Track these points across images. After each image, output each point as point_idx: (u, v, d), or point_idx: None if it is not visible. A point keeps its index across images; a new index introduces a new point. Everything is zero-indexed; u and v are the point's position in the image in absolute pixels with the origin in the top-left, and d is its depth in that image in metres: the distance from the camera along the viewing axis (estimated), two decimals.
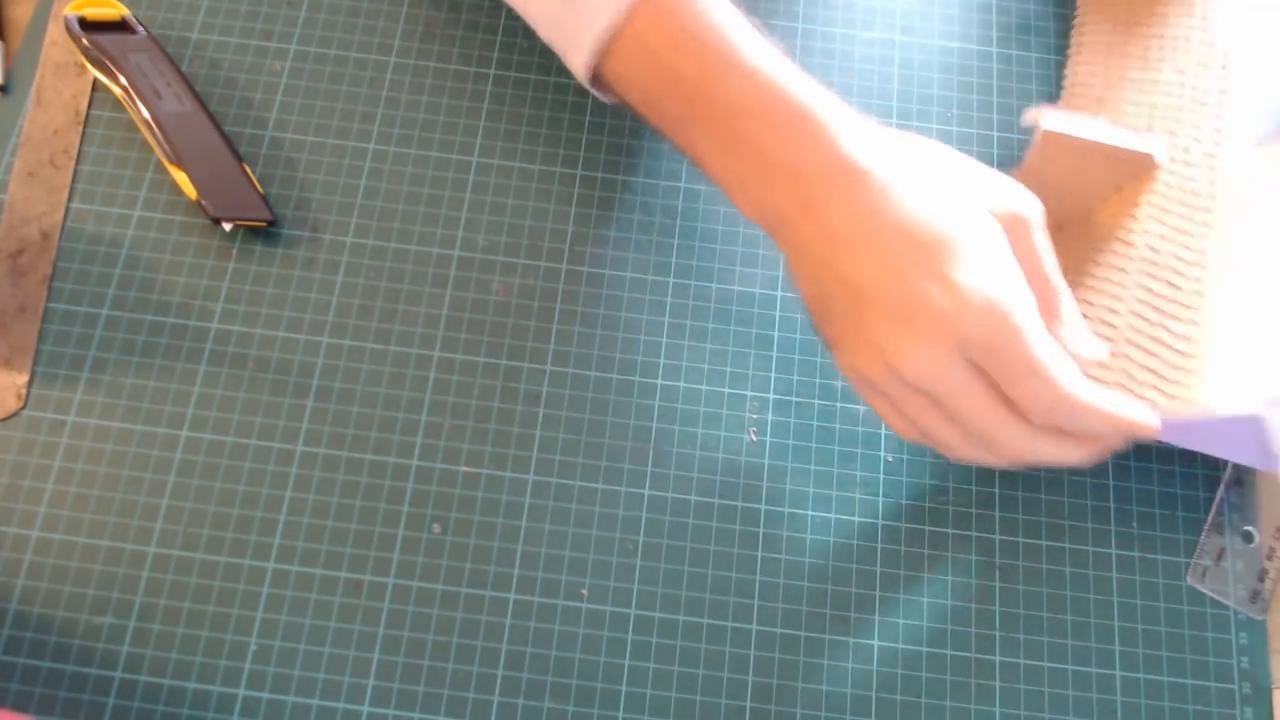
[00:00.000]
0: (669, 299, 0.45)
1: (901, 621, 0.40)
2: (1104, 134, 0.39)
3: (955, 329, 0.31)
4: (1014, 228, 0.33)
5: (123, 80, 0.45)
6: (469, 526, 0.41)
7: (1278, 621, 0.41)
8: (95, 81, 0.47)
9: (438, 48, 0.49)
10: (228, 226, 0.44)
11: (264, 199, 0.44)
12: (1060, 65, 0.49)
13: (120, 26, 0.46)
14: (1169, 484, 0.42)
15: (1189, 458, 0.43)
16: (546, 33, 0.40)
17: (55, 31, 0.47)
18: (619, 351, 0.44)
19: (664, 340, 0.44)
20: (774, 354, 0.44)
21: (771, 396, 0.43)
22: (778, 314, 0.44)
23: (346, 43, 0.48)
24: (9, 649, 0.38)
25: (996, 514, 0.42)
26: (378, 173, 0.46)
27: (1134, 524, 0.42)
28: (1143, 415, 0.33)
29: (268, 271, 0.44)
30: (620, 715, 0.39)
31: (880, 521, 0.42)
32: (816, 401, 0.43)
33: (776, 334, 0.44)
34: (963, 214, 0.32)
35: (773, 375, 0.44)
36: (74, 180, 0.45)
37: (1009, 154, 0.47)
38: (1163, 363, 0.36)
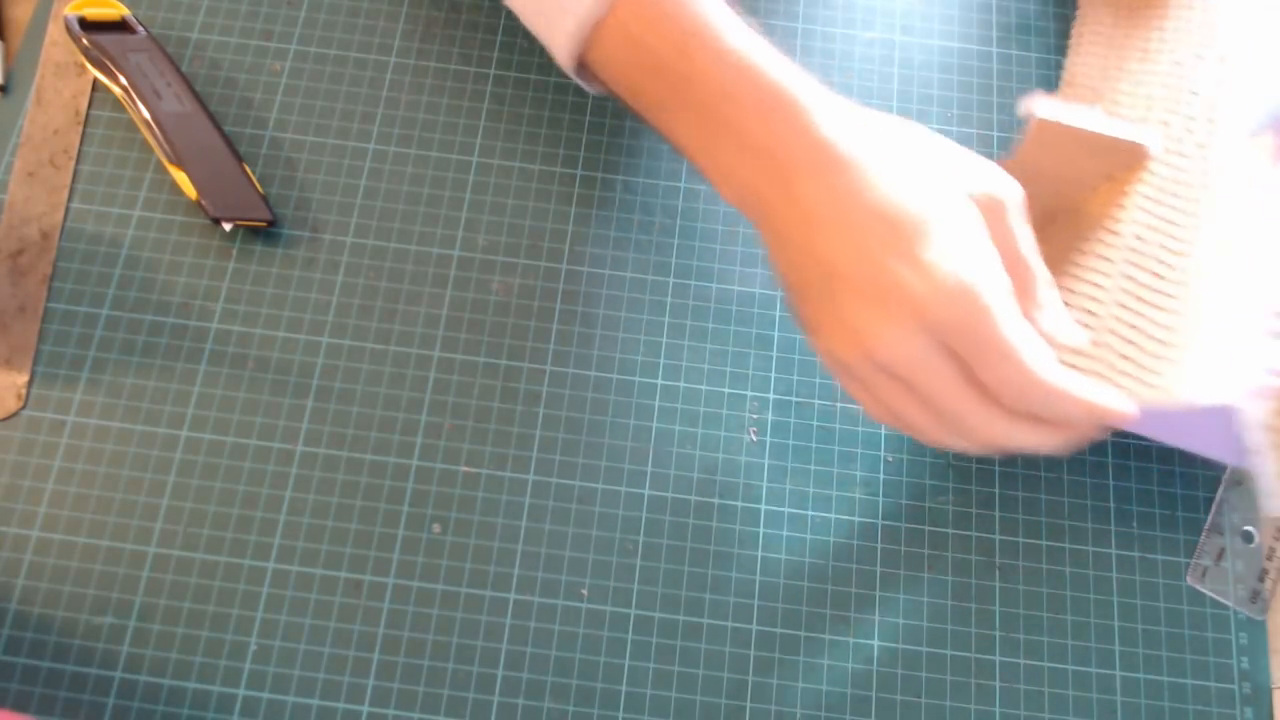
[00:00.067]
0: (669, 299, 0.45)
1: (901, 621, 0.40)
2: (1096, 123, 0.38)
3: (925, 310, 0.31)
4: (991, 211, 0.33)
5: (123, 80, 0.45)
6: (469, 526, 0.41)
7: (1278, 621, 0.41)
8: (95, 81, 0.47)
9: (438, 48, 0.49)
10: (228, 226, 0.44)
11: (264, 199, 0.44)
12: (1060, 65, 0.49)
13: (120, 26, 0.46)
14: (1169, 484, 0.42)
15: (1189, 458, 0.43)
16: (531, 22, 0.40)
17: (55, 31, 0.47)
18: (619, 351, 0.44)
19: (664, 340, 0.44)
20: (774, 354, 0.44)
21: (771, 396, 0.43)
22: (778, 314, 0.44)
23: (346, 43, 0.48)
24: (9, 649, 0.38)
25: (996, 514, 0.42)
26: (378, 173, 0.46)
27: (1134, 524, 0.42)
28: (1117, 403, 0.33)
29: (268, 271, 0.44)
30: (620, 715, 0.39)
31: (880, 521, 0.42)
32: (816, 401, 0.43)
33: (776, 334, 0.44)
34: (937, 196, 0.32)
35: (773, 375, 0.44)
36: (74, 180, 0.45)
37: (1009, 154, 0.47)
38: (1142, 352, 0.36)
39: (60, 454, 0.41)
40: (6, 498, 0.40)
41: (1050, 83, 0.49)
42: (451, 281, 0.44)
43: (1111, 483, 0.42)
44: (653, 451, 0.42)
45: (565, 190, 0.46)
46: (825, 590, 0.41)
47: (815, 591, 0.41)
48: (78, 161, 0.46)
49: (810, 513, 0.42)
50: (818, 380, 0.43)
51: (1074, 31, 0.47)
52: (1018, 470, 0.42)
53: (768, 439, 0.43)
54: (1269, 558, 0.41)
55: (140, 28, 0.46)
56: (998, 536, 0.42)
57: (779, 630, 0.40)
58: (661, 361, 0.44)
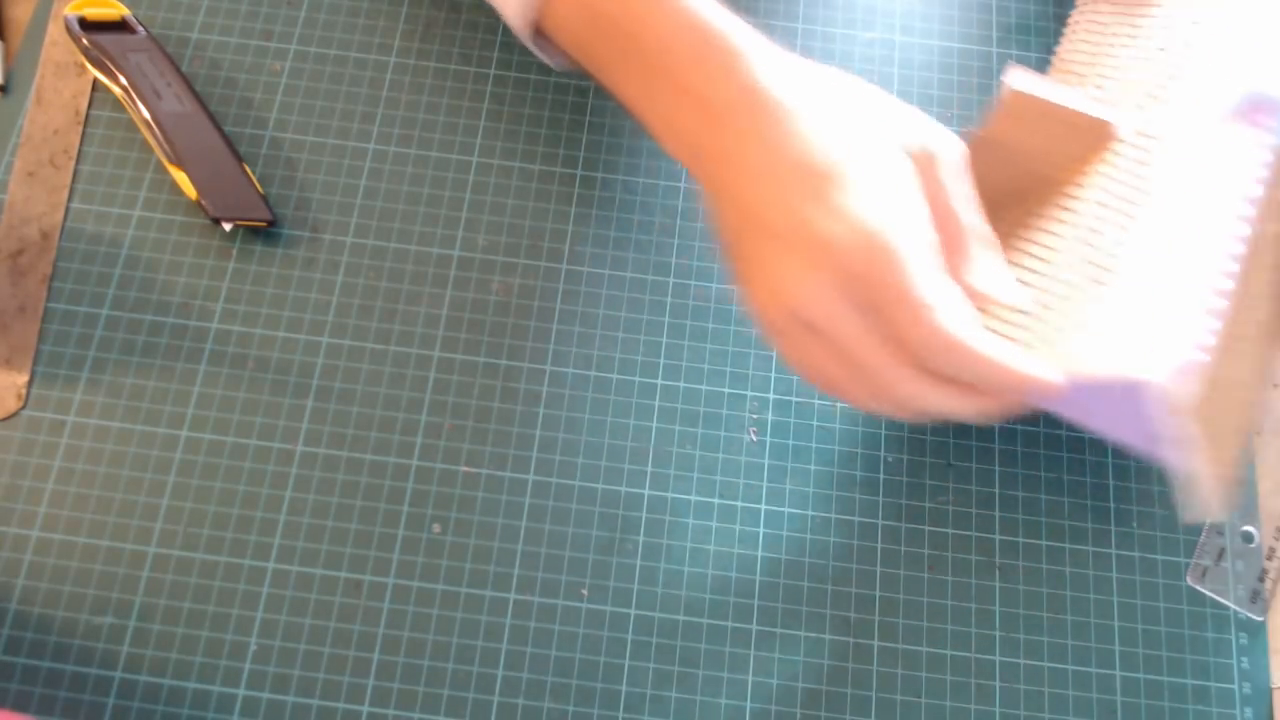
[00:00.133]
0: (669, 299, 0.45)
1: (901, 621, 0.40)
2: (1067, 99, 0.38)
3: (833, 256, 0.30)
4: (926, 165, 0.33)
5: (123, 80, 0.45)
6: (469, 526, 0.41)
7: (1278, 621, 0.41)
8: (95, 81, 0.47)
9: (438, 48, 0.49)
10: (228, 226, 0.44)
11: (264, 199, 0.44)
12: None
13: (120, 26, 0.46)
14: (1169, 484, 0.42)
15: None
16: None
17: (55, 31, 0.47)
18: (619, 351, 0.44)
19: (664, 340, 0.44)
20: (774, 354, 0.44)
21: (771, 396, 0.43)
22: None
23: (346, 43, 0.48)
24: (9, 649, 0.38)
25: (996, 514, 0.42)
26: (378, 173, 0.46)
27: (1134, 524, 0.42)
28: (1037, 369, 0.31)
29: (268, 271, 0.44)
30: (620, 715, 0.39)
31: (880, 521, 0.42)
32: (816, 401, 0.43)
33: None
34: (863, 145, 0.32)
35: (773, 375, 0.43)
36: (74, 180, 0.45)
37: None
38: (1068, 320, 0.35)
39: (60, 454, 0.41)
40: (6, 498, 0.40)
41: None
42: (451, 281, 0.44)
43: (1111, 483, 0.42)
44: (653, 451, 0.42)
45: (565, 190, 0.46)
46: (825, 590, 0.41)
47: (815, 591, 0.41)
48: (78, 161, 0.46)
49: (810, 513, 0.42)
50: None
51: (1070, 19, 0.47)
52: (1018, 470, 0.42)
53: (768, 439, 0.43)
54: (1269, 558, 0.41)
55: (140, 28, 0.46)
56: (998, 536, 0.42)
57: (779, 630, 0.40)
58: (661, 361, 0.44)
